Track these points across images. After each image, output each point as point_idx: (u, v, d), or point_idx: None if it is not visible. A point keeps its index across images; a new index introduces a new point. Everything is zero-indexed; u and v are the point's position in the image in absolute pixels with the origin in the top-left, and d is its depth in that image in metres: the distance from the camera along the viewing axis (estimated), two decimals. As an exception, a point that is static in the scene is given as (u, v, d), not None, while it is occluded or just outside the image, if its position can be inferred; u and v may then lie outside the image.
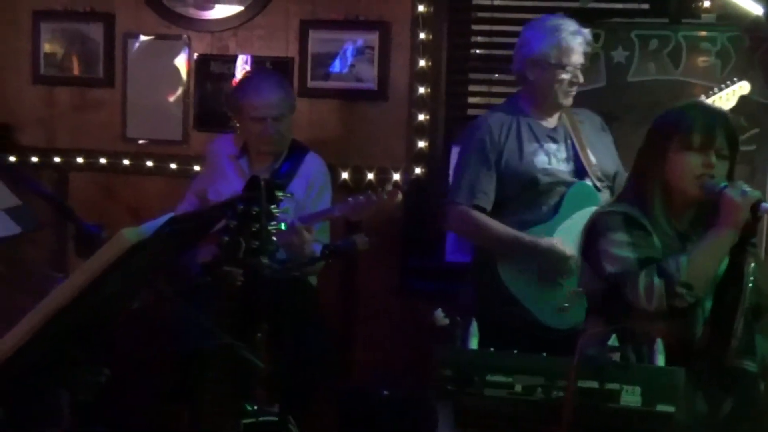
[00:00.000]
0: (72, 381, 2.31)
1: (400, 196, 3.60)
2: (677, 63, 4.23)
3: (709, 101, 3.72)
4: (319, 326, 4.00)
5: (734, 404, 2.62)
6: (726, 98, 3.76)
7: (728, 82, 3.80)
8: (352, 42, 4.67)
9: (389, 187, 3.65)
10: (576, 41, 3.56)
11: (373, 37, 4.64)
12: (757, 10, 3.86)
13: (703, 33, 4.22)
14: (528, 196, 3.56)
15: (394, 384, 4.32)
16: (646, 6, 4.61)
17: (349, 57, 4.68)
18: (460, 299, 3.66)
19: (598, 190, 3.57)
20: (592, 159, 3.61)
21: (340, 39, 4.69)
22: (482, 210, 3.61)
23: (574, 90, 3.62)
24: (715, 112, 2.74)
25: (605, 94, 4.25)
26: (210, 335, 2.62)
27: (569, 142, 3.63)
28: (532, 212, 3.55)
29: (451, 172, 4.49)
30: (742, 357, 2.61)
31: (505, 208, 3.59)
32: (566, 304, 3.43)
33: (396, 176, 4.66)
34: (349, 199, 3.67)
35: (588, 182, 3.58)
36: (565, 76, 3.56)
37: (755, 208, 2.56)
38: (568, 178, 3.58)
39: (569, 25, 3.59)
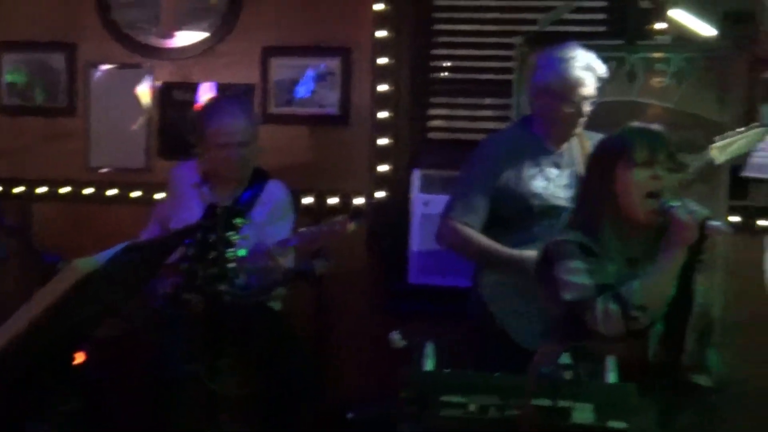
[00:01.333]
0: (39, 411, 2.31)
1: (352, 225, 3.63)
2: (634, 84, 4.29)
3: (721, 143, 3.72)
4: (294, 351, 4.02)
5: (688, 418, 2.66)
6: (741, 142, 3.74)
7: (745, 127, 3.80)
8: (314, 68, 4.72)
9: (340, 217, 3.67)
10: (585, 75, 3.60)
11: (335, 63, 4.70)
12: (710, 32, 3.93)
13: (659, 54, 4.28)
14: (521, 219, 3.62)
15: (365, 406, 4.33)
16: (602, 28, 4.70)
17: (311, 83, 4.73)
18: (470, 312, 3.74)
19: None
20: None
21: (302, 65, 4.73)
22: (469, 227, 3.67)
23: (580, 122, 3.67)
24: (652, 129, 2.80)
25: (564, 116, 4.30)
26: (176, 363, 2.65)
27: (573, 169, 3.68)
28: (526, 233, 3.59)
29: (413, 195, 4.57)
30: (693, 372, 2.65)
31: (499, 227, 3.64)
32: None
33: (359, 201, 4.70)
34: (303, 230, 3.71)
35: None
36: (570, 109, 3.61)
37: (703, 226, 2.61)
38: (564, 204, 3.62)
39: (581, 59, 3.63)
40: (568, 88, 3.59)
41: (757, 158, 3.95)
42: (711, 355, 2.74)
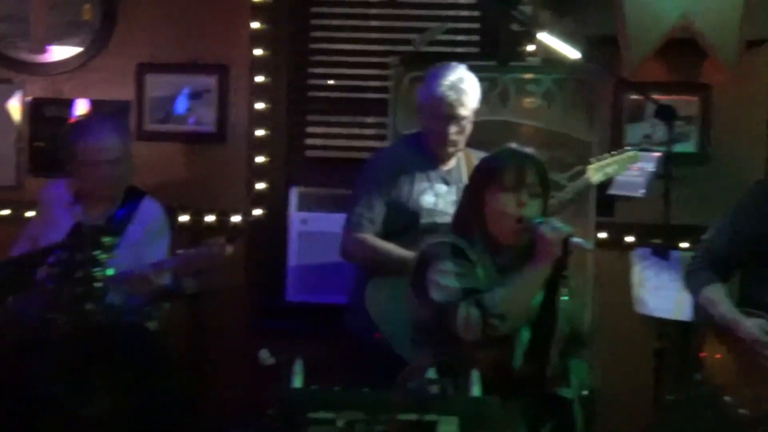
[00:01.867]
0: None
1: (230, 248, 3.61)
2: (506, 104, 4.39)
3: (597, 165, 3.87)
4: (166, 372, 3.95)
5: (553, 429, 2.73)
6: (616, 164, 3.90)
7: (621, 150, 3.97)
8: (190, 85, 4.70)
9: (220, 239, 3.65)
10: (459, 94, 3.66)
11: (212, 81, 4.69)
12: (574, 54, 4.07)
13: (530, 75, 4.41)
14: (410, 234, 3.63)
15: (242, 425, 4.30)
16: (475, 50, 4.81)
17: (188, 100, 4.70)
18: (346, 327, 3.76)
19: None
20: None
21: (178, 82, 4.71)
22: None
23: (460, 139, 3.72)
24: (525, 155, 2.88)
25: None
26: (41, 384, 2.58)
27: (461, 185, 3.68)
28: (411, 248, 3.56)
29: (291, 212, 4.57)
30: (558, 384, 2.73)
31: (388, 240, 3.67)
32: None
33: (236, 218, 4.68)
34: (180, 252, 3.67)
35: None
36: (449, 127, 3.66)
37: (566, 243, 2.69)
38: (450, 219, 3.66)
39: (456, 77, 3.69)
40: (445, 106, 3.65)
41: (621, 177, 4.08)
42: (575, 367, 2.82)
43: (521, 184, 2.77)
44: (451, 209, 3.62)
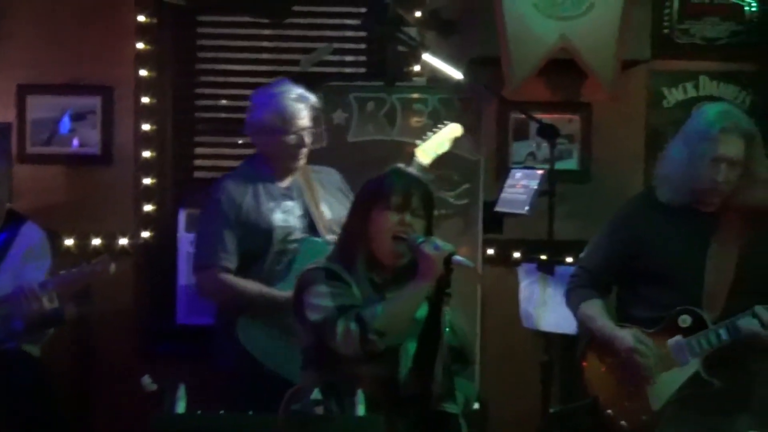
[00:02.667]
0: None
1: (113, 266, 3.56)
2: (393, 124, 4.44)
3: (424, 146, 3.89)
4: (48, 398, 3.86)
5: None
6: (440, 141, 3.92)
7: (440, 126, 3.98)
8: (73, 107, 4.62)
9: (103, 257, 3.59)
10: (298, 107, 3.68)
11: (96, 102, 4.62)
12: (458, 75, 4.14)
13: (416, 95, 4.47)
14: (266, 255, 3.63)
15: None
16: (362, 70, 4.85)
17: (71, 122, 4.62)
18: (213, 360, 3.69)
19: (329, 243, 3.60)
20: (327, 214, 3.72)
21: (61, 104, 4.63)
22: (228, 270, 3.64)
23: (302, 153, 3.73)
24: (411, 177, 2.93)
25: (327, 155, 4.39)
26: None
27: (303, 199, 3.73)
28: (270, 271, 3.62)
29: (180, 234, 4.52)
30: (443, 400, 2.76)
31: (246, 268, 3.63)
32: None
33: (123, 241, 4.62)
34: (62, 272, 3.60)
35: (319, 238, 3.67)
36: (290, 141, 3.67)
37: (448, 260, 2.74)
38: (302, 235, 3.68)
39: (292, 91, 3.70)
40: (286, 120, 3.66)
41: (506, 194, 4.16)
42: (461, 385, 2.86)
43: (406, 205, 2.81)
44: (300, 224, 3.69)
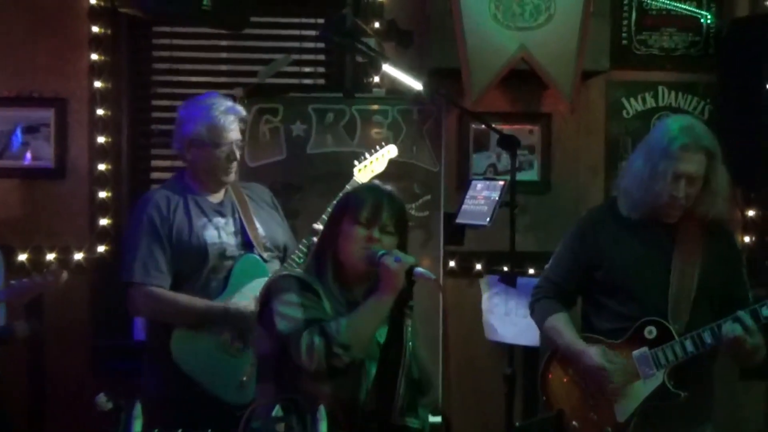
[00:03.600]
0: None
1: (65, 274, 3.47)
2: (353, 135, 4.42)
3: (361, 166, 3.89)
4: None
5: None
6: (377, 161, 3.94)
7: (377, 147, 3.99)
8: (26, 119, 4.54)
9: (54, 267, 3.50)
10: (228, 119, 3.57)
11: (49, 114, 4.54)
12: (418, 86, 4.12)
13: (376, 107, 4.45)
14: (200, 272, 3.51)
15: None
16: (322, 81, 4.82)
17: (23, 135, 4.54)
18: (143, 380, 3.56)
19: (265, 261, 3.58)
20: (261, 231, 3.62)
21: (13, 116, 4.55)
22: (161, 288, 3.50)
23: (233, 166, 3.61)
24: (384, 193, 2.89)
25: (286, 166, 4.37)
26: None
27: (236, 215, 3.62)
28: (204, 288, 3.49)
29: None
30: (406, 415, 2.72)
31: (179, 285, 3.51)
32: (245, 378, 3.41)
33: (79, 255, 4.54)
34: (12, 282, 3.50)
35: (255, 254, 3.57)
36: (221, 153, 3.55)
37: (410, 273, 2.70)
38: (236, 251, 3.56)
39: (221, 104, 3.59)
40: (217, 133, 3.54)
41: (468, 206, 4.13)
42: (423, 397, 2.82)
43: (375, 220, 2.78)
44: (234, 240, 3.56)
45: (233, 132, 3.58)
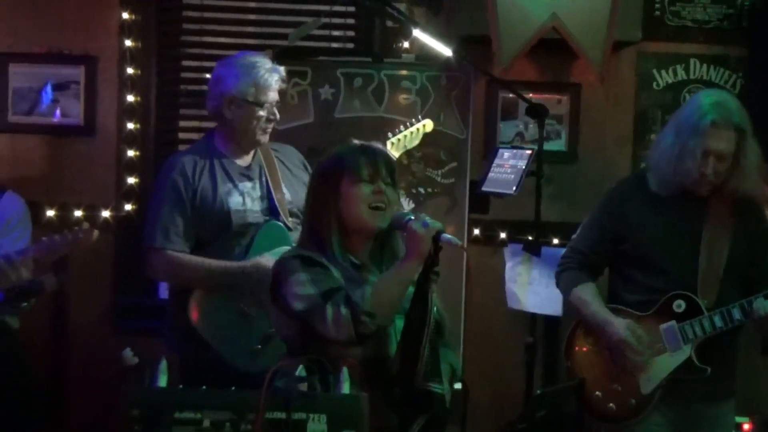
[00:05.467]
0: None
1: (96, 233, 3.46)
2: (380, 100, 4.41)
3: (394, 139, 3.84)
4: (26, 370, 3.81)
5: (425, 423, 2.73)
6: (411, 136, 3.90)
7: (413, 120, 3.94)
8: (56, 76, 4.55)
9: (85, 225, 3.49)
10: (273, 79, 3.53)
11: (78, 72, 4.56)
12: (447, 52, 4.10)
13: (404, 72, 4.42)
14: (223, 238, 3.48)
15: (104, 428, 4.20)
16: (351, 45, 4.80)
17: (53, 92, 4.55)
18: (166, 339, 3.59)
19: (289, 228, 3.53)
20: (287, 196, 3.58)
21: (43, 73, 4.56)
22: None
23: (270, 127, 3.58)
24: (373, 148, 2.88)
25: (313, 130, 4.37)
26: None
27: (263, 179, 3.58)
28: (226, 254, 3.46)
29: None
30: (429, 379, 2.73)
31: (201, 249, 3.48)
32: (258, 347, 3.40)
33: (106, 213, 4.57)
34: (43, 239, 3.49)
35: (279, 221, 3.54)
36: (263, 113, 3.51)
37: (436, 238, 2.69)
38: (261, 218, 3.53)
39: (265, 63, 3.56)
40: (261, 91, 3.50)
41: (494, 174, 4.13)
42: (444, 353, 2.82)
43: (376, 174, 2.77)
44: (259, 206, 3.53)
45: (274, 92, 3.54)
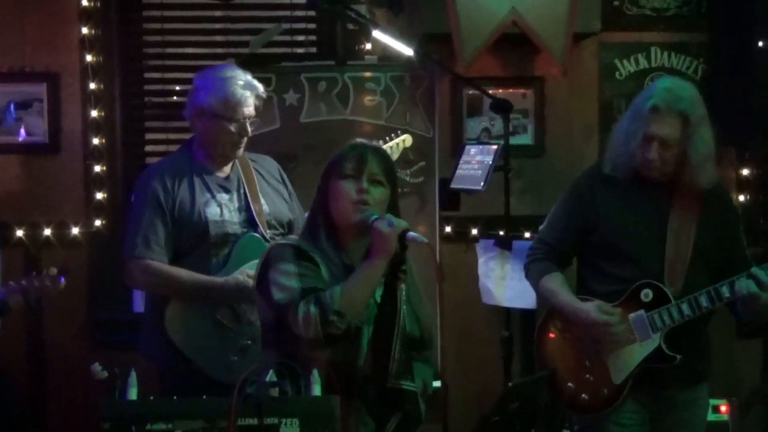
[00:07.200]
0: None
1: (62, 283, 3.45)
2: (346, 103, 4.41)
3: None
4: (1, 391, 3.80)
5: (399, 421, 2.75)
6: (391, 151, 3.86)
7: (392, 135, 3.93)
8: (18, 94, 4.54)
9: (53, 271, 3.47)
10: (246, 94, 3.50)
11: (41, 89, 4.54)
12: (408, 52, 4.11)
13: (368, 74, 4.43)
14: (200, 249, 3.47)
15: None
16: (313, 50, 4.80)
17: (16, 110, 4.54)
18: (139, 351, 3.58)
19: (267, 240, 3.49)
20: (265, 208, 3.56)
21: (5, 92, 4.55)
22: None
23: (243, 142, 3.54)
24: (366, 146, 2.88)
25: (280, 136, 4.37)
26: None
27: (242, 191, 3.57)
28: (203, 265, 3.45)
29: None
30: (401, 378, 2.74)
31: (178, 260, 3.47)
32: (234, 358, 3.40)
33: (75, 230, 4.56)
34: (12, 284, 3.46)
35: (258, 233, 3.52)
36: (233, 128, 3.48)
37: (402, 237, 2.70)
38: (239, 229, 3.51)
39: (240, 77, 3.52)
40: (231, 107, 3.47)
41: (462, 170, 4.14)
42: (420, 368, 2.82)
43: (360, 171, 2.77)
44: (237, 218, 3.51)
45: (248, 108, 3.50)
